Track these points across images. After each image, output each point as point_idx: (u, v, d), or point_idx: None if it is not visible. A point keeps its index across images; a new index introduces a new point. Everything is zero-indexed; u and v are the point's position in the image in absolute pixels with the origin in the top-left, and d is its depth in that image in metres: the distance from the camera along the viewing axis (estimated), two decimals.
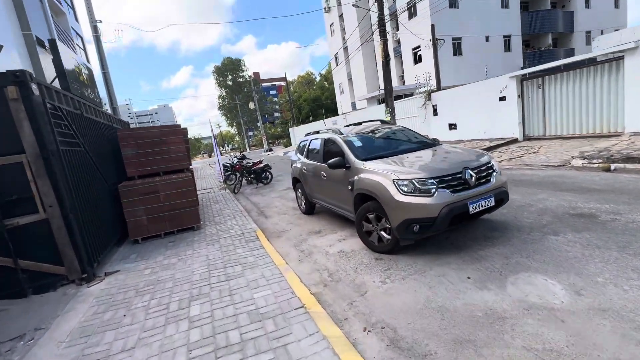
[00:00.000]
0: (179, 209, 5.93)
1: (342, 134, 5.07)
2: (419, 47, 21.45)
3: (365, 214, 4.02)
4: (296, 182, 6.79)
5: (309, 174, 5.90)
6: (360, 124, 5.97)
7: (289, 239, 5.26)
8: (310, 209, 6.44)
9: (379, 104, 20.80)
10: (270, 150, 39.82)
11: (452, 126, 13.92)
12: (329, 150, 5.25)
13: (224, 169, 14.29)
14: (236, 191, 11.03)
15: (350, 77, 31.33)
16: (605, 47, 15.32)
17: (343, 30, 30.83)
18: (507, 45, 23.37)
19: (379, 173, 3.82)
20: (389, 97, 13.69)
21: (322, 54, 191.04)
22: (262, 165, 12.14)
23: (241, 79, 59.34)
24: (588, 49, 26.73)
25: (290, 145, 39.54)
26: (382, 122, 5.86)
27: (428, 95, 14.69)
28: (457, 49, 21.32)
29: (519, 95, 11.02)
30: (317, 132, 6.15)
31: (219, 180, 14.77)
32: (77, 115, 4.89)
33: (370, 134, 5.10)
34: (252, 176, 11.90)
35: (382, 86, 25.88)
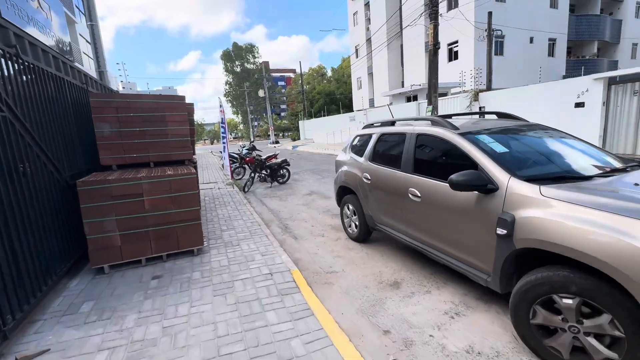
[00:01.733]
0: (173, 223, 3.86)
1: (455, 128, 2.99)
2: (455, 42, 19.30)
3: (547, 295, 1.97)
4: (344, 193, 4.74)
5: (377, 186, 3.84)
6: (453, 116, 3.90)
7: (347, 292, 3.20)
8: (365, 235, 4.39)
9: (408, 101, 18.69)
10: (277, 142, 37.61)
11: None
12: (430, 154, 3.20)
13: (230, 161, 12.25)
14: (246, 190, 8.98)
15: (370, 71, 29.11)
16: None
17: (368, 20, 28.54)
18: (551, 50, 21.23)
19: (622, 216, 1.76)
20: (433, 93, 11.61)
21: (332, 50, 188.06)
22: (278, 160, 10.06)
23: (252, 66, 57.05)
24: (633, 63, 24.64)
25: (299, 138, 37.39)
26: (501, 115, 3.79)
27: (475, 95, 12.61)
28: (498, 48, 19.16)
29: (603, 103, 8.95)
30: (392, 124, 4.08)
31: (224, 172, 12.71)
32: (5, 56, 2.80)
33: (508, 133, 3.02)
34: (266, 172, 9.83)
35: (407, 83, 23.79)
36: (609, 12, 24.26)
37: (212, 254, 4.11)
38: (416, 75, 22.85)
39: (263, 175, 9.72)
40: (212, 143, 64.75)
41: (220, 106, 8.87)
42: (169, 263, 3.84)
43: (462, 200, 2.61)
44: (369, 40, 28.34)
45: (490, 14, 12.79)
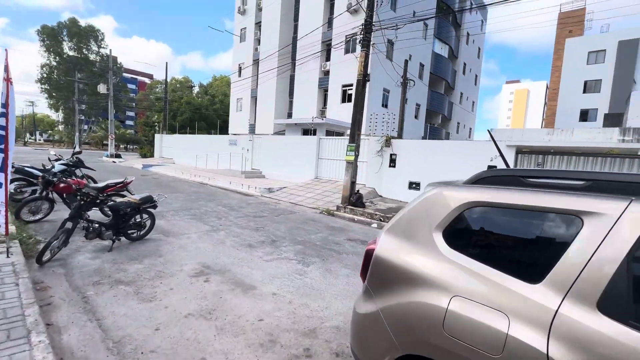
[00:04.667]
0: None
1: None
2: (350, 85, 19.24)
3: None
4: None
5: None
6: None
7: None
8: None
9: (305, 134, 16.71)
10: (118, 156, 28.05)
11: (414, 185, 11.15)
12: None
13: (17, 184, 6.56)
14: (46, 258, 4.08)
15: (255, 94, 26.26)
16: (500, 138, 16.43)
17: (257, 40, 26.14)
18: (417, 113, 24.49)
19: None
20: (357, 130, 9.80)
21: (196, 67, 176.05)
22: (135, 196, 5.46)
23: (93, 55, 44.15)
24: (459, 137, 31.83)
25: (152, 156, 29.48)
26: None
27: (387, 141, 11.72)
28: (385, 101, 20.30)
29: None
30: None
31: None
32: None
33: None
34: (108, 221, 5.09)
35: (295, 115, 22.24)
36: (446, 94, 31.02)
37: None
38: (307, 110, 21.66)
39: (95, 226, 4.82)
40: None
41: (5, 60, 3.79)
42: None
43: None
44: (256, 62, 25.84)
45: (406, 61, 12.72)
